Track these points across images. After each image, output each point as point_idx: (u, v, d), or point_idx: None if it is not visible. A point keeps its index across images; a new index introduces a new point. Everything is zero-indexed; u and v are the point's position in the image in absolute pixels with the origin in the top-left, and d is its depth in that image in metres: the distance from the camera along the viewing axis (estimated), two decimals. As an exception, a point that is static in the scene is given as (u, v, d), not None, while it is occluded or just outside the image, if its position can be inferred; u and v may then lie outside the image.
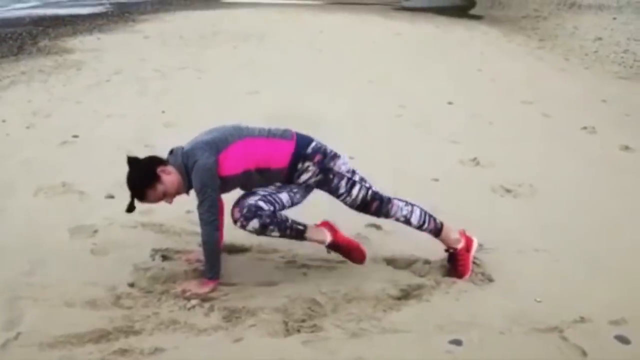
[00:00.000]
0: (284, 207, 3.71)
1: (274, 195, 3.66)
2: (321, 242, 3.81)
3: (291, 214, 3.70)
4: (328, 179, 3.74)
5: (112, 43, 13.55)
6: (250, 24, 16.63)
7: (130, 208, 3.67)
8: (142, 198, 3.65)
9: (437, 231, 3.89)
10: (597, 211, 4.95)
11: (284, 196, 3.70)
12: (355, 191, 3.76)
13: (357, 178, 3.78)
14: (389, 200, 3.82)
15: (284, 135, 3.73)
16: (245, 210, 3.56)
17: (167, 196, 3.67)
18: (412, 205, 3.87)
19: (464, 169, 5.93)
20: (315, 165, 3.70)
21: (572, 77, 10.57)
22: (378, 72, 10.61)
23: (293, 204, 3.77)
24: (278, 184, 3.71)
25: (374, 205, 3.80)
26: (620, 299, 3.63)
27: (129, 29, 16.26)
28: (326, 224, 3.88)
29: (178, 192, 3.71)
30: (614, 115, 8.02)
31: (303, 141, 3.74)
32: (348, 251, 3.89)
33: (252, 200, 3.59)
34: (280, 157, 3.66)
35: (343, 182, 3.74)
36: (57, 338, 3.16)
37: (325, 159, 3.72)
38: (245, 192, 3.69)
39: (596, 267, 4.02)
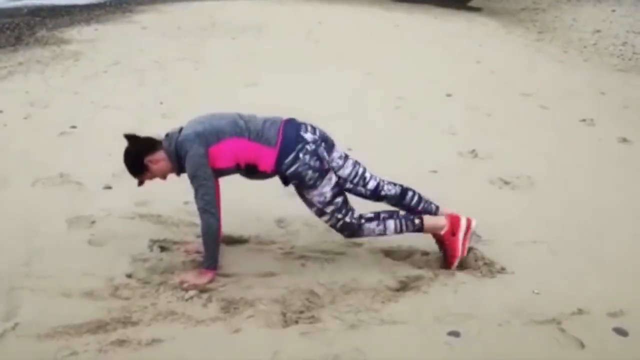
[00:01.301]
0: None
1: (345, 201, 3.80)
2: (439, 229, 3.92)
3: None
4: (302, 199, 3.81)
5: (109, 34, 13.50)
6: (249, 15, 16.55)
7: (139, 183, 3.89)
8: (135, 177, 3.84)
9: (419, 230, 3.91)
10: (595, 203, 4.95)
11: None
12: (324, 218, 3.81)
13: (329, 209, 3.75)
14: (360, 227, 3.82)
15: (270, 140, 3.65)
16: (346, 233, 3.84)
17: (157, 177, 3.84)
18: (385, 220, 3.86)
19: (463, 161, 5.93)
20: (293, 185, 3.77)
21: (570, 69, 10.56)
22: (376, 63, 10.58)
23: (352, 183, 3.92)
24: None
25: (345, 233, 3.86)
26: (619, 291, 3.64)
27: (127, 19, 16.19)
28: (454, 218, 3.94)
29: (167, 174, 3.85)
30: (612, 108, 8.03)
31: (288, 150, 3.65)
32: (446, 253, 3.94)
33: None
34: (265, 163, 3.67)
35: (314, 209, 3.79)
36: (55, 328, 3.16)
37: (299, 187, 3.73)
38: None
39: (594, 259, 4.03)
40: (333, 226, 3.81)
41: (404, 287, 3.68)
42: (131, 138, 3.78)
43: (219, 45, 12.19)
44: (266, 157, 3.64)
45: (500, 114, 7.60)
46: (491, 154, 6.04)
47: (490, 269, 3.84)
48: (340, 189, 3.78)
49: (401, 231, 3.87)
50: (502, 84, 9.39)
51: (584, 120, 7.32)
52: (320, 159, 3.68)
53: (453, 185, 5.17)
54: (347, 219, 3.78)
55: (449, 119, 7.28)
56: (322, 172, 3.68)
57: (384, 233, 3.86)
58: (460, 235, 3.87)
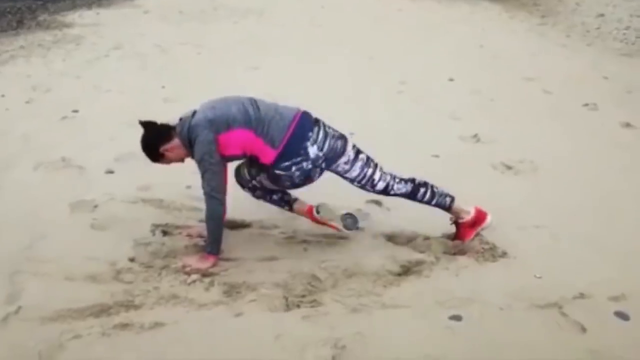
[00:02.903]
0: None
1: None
2: (464, 213, 3.99)
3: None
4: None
5: (111, 18, 13.45)
6: (251, -1, 16.51)
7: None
8: (153, 162, 3.86)
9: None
10: (597, 188, 4.95)
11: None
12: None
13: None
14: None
15: (274, 141, 3.61)
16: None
17: (174, 162, 3.85)
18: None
19: (465, 146, 5.92)
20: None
21: (573, 54, 10.52)
22: (379, 48, 10.55)
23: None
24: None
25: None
26: (620, 275, 3.64)
27: (129, 3, 16.12)
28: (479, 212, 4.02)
29: (183, 159, 3.85)
30: (615, 92, 7.99)
31: (288, 155, 3.63)
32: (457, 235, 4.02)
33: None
34: (265, 159, 3.65)
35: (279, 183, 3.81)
36: (58, 312, 3.17)
37: (304, 178, 3.72)
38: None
39: (596, 244, 4.03)
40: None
41: (405, 271, 3.68)
42: (146, 125, 3.76)
43: (221, 29, 12.15)
44: (267, 155, 3.63)
45: (503, 99, 7.58)
46: (494, 139, 6.03)
47: (493, 253, 3.85)
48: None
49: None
50: (505, 68, 9.36)
51: (587, 104, 7.30)
52: (307, 178, 3.73)
53: (455, 170, 5.16)
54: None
55: (452, 103, 7.27)
56: (300, 184, 3.78)
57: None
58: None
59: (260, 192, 3.95)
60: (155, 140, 3.75)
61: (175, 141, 3.72)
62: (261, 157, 3.65)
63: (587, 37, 12.18)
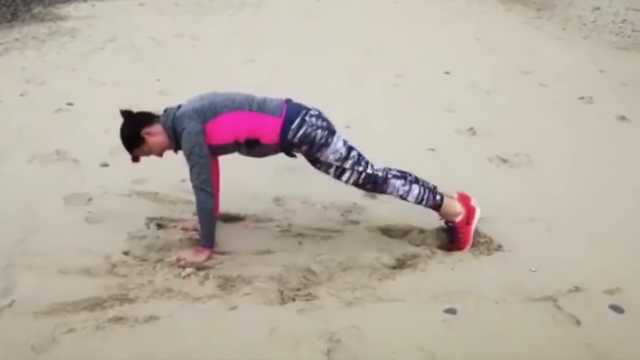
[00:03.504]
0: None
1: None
2: (453, 215, 3.85)
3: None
4: (316, 166, 3.73)
5: (106, 10, 13.41)
6: (246, -9, 16.47)
7: (134, 159, 3.82)
8: (130, 152, 3.75)
9: (436, 207, 3.83)
10: (593, 181, 4.94)
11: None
12: (345, 177, 3.70)
13: (348, 164, 3.66)
14: (385, 180, 3.73)
15: (273, 110, 3.63)
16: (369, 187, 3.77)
17: (153, 153, 3.76)
18: (412, 183, 3.76)
19: (461, 139, 5.91)
20: (302, 153, 3.70)
21: (569, 47, 10.51)
22: (375, 41, 10.53)
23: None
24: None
25: (368, 186, 3.77)
26: (615, 268, 3.64)
27: (124, -4, 16.11)
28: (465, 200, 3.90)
29: (164, 151, 3.77)
30: (611, 85, 7.99)
31: (292, 118, 3.61)
32: (454, 237, 3.88)
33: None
34: (269, 134, 3.61)
35: (332, 170, 3.69)
36: (52, 306, 3.17)
37: (311, 150, 3.65)
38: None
39: (591, 237, 4.03)
40: (356, 183, 3.72)
41: (401, 264, 3.68)
42: (127, 113, 3.72)
43: (217, 22, 12.12)
44: (270, 127, 3.59)
45: (498, 92, 7.57)
46: (489, 132, 6.02)
47: (488, 246, 3.85)
48: (351, 144, 3.73)
49: (421, 201, 3.78)
50: (501, 61, 9.34)
51: (582, 98, 7.29)
52: (326, 120, 3.69)
53: (451, 163, 5.16)
54: (369, 171, 3.70)
55: (448, 96, 7.25)
56: (331, 131, 3.67)
57: (405, 195, 3.77)
58: (473, 225, 3.86)
59: None
60: (137, 121, 3.70)
61: (158, 127, 3.66)
62: (264, 135, 3.60)
63: (583, 30, 12.16)
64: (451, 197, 3.88)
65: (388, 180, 3.74)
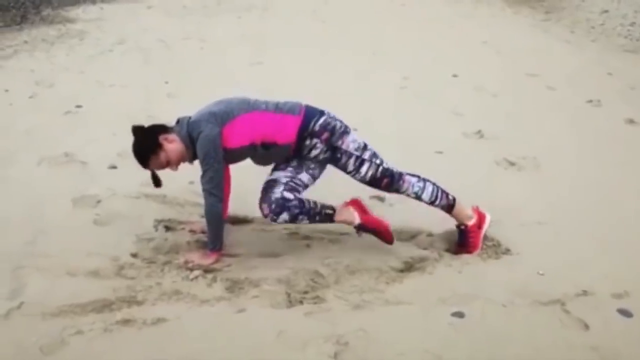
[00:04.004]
0: (306, 186, 3.73)
1: (295, 180, 3.66)
2: (350, 223, 3.79)
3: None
4: (336, 157, 3.70)
5: (115, 13, 13.45)
6: (254, -6, 16.49)
7: (156, 182, 3.77)
8: (146, 164, 3.66)
9: (449, 207, 3.84)
10: (600, 184, 4.93)
11: (304, 176, 3.70)
12: (364, 169, 3.71)
13: (366, 156, 3.71)
14: (400, 176, 3.75)
15: (292, 109, 3.67)
16: (273, 206, 3.58)
17: (171, 164, 3.66)
18: (425, 181, 3.80)
19: (468, 142, 5.91)
20: (322, 142, 3.66)
21: (577, 50, 10.48)
22: (382, 43, 10.53)
23: (314, 179, 3.78)
24: (294, 163, 3.70)
25: (384, 181, 3.75)
26: (623, 272, 3.63)
27: (132, -2, 16.15)
28: (355, 203, 3.84)
29: (181, 161, 3.70)
30: (619, 89, 7.96)
31: (311, 116, 3.67)
32: (376, 232, 3.84)
33: (277, 193, 3.59)
34: (286, 133, 3.61)
35: (351, 160, 3.70)
36: (60, 307, 3.18)
37: (332, 137, 3.66)
38: (268, 183, 3.68)
39: (599, 241, 4.02)
40: (374, 176, 3.72)
41: (408, 267, 3.68)
42: (139, 128, 3.65)
43: (224, 24, 12.15)
44: (289, 125, 3.61)
45: (506, 95, 7.56)
46: (497, 135, 6.02)
47: (496, 250, 3.84)
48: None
49: (435, 200, 3.80)
50: (508, 64, 9.33)
51: (590, 101, 7.27)
52: (341, 120, 3.75)
53: (459, 166, 5.15)
54: (386, 165, 3.74)
55: (455, 99, 7.25)
56: (347, 127, 3.75)
57: (420, 193, 3.77)
58: (484, 230, 3.87)
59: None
60: (154, 129, 3.65)
61: (174, 135, 3.62)
62: (281, 135, 3.61)
63: (592, 33, 12.13)
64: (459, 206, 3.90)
65: (403, 176, 3.76)
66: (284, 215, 3.58)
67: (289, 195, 3.60)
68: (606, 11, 13.99)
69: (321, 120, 3.66)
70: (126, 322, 3.10)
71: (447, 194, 3.83)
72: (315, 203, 3.69)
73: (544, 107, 7.08)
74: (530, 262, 3.72)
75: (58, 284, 3.40)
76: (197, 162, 3.64)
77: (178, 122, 3.71)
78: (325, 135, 3.65)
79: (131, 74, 8.29)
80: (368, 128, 5.50)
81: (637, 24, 12.53)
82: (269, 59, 9.12)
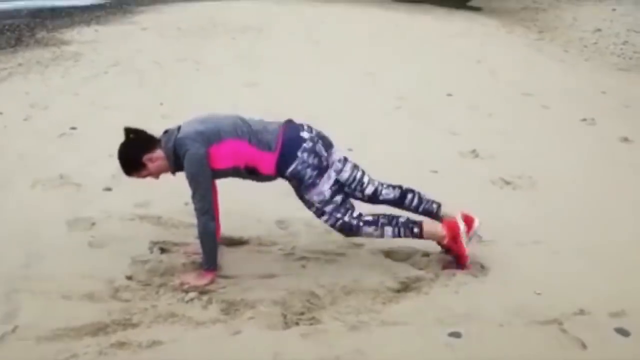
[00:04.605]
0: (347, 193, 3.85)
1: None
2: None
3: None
4: (302, 200, 3.79)
5: (109, 35, 13.51)
6: (249, 15, 16.55)
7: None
8: (128, 175, 3.79)
9: (418, 237, 3.85)
10: (596, 203, 4.94)
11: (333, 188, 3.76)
12: (323, 218, 3.77)
13: (328, 208, 3.73)
14: (358, 228, 3.77)
15: (270, 144, 3.65)
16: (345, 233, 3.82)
17: (152, 176, 3.77)
18: (383, 227, 3.80)
19: (463, 161, 5.92)
20: (292, 186, 3.78)
21: (571, 69, 10.55)
22: (377, 63, 10.58)
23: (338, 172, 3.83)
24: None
25: (343, 233, 3.83)
26: (620, 291, 3.62)
27: (127, 20, 16.20)
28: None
29: (162, 173, 3.79)
30: (613, 107, 8.01)
31: (287, 155, 3.65)
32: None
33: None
34: (266, 168, 3.67)
35: (313, 209, 3.76)
36: (55, 331, 3.15)
37: (300, 187, 3.71)
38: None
39: (596, 259, 4.02)
40: (332, 226, 3.78)
41: (404, 288, 3.67)
42: (131, 132, 3.73)
43: (219, 45, 12.20)
44: (266, 162, 3.64)
45: (501, 114, 7.59)
46: (492, 154, 6.03)
47: (490, 269, 3.84)
48: (339, 187, 3.76)
49: (399, 236, 3.83)
50: (502, 83, 9.38)
51: (585, 119, 7.31)
52: (318, 156, 3.69)
53: (454, 186, 5.15)
54: (346, 219, 3.75)
55: (450, 118, 7.28)
56: (321, 170, 3.69)
57: (381, 237, 3.83)
58: (462, 237, 3.81)
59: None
60: (140, 147, 3.70)
61: (159, 152, 3.67)
62: (262, 168, 3.65)
63: (585, 52, 12.22)
64: (433, 222, 3.90)
65: (360, 228, 3.79)
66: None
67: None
68: (599, 30, 14.10)
69: (291, 168, 3.65)
70: (121, 345, 3.07)
71: (412, 227, 3.82)
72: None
73: (539, 126, 7.11)
74: (527, 281, 3.71)
75: (53, 307, 3.38)
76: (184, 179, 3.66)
77: (166, 132, 3.73)
78: (294, 183, 3.73)
79: (126, 95, 8.31)
80: (363, 148, 5.52)
81: (630, 43, 12.63)
82: (263, 80, 9.14)
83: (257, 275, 3.78)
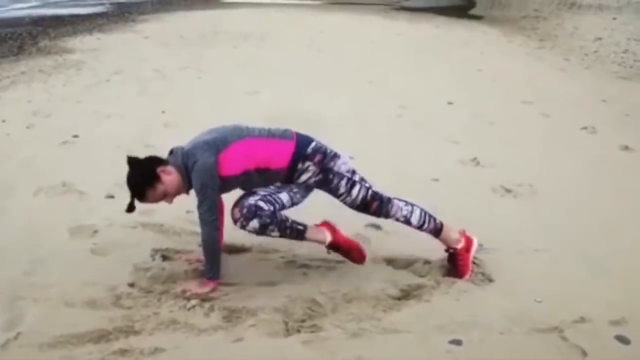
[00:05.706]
0: (284, 206, 3.69)
1: (274, 195, 3.65)
2: (321, 242, 3.81)
3: (292, 214, 3.70)
4: (328, 179, 3.73)
5: (112, 43, 13.55)
6: (251, 23, 16.62)
7: (130, 208, 3.65)
8: (142, 198, 3.63)
9: (437, 231, 3.88)
10: (597, 211, 4.95)
11: (284, 196, 3.69)
12: (355, 191, 3.75)
13: (357, 178, 3.78)
14: (389, 200, 3.82)
15: (284, 135, 3.72)
16: (245, 211, 3.54)
17: (167, 196, 3.66)
18: (413, 205, 3.87)
19: (464, 169, 5.93)
20: (315, 165, 3.70)
21: (572, 77, 10.57)
22: (378, 72, 10.60)
23: (293, 203, 3.75)
24: (278, 183, 3.70)
25: (374, 205, 3.80)
26: (621, 299, 3.63)
27: (129, 29, 16.26)
28: (326, 224, 3.88)
29: (178, 192, 3.69)
30: (614, 115, 8.02)
31: (303, 141, 3.73)
32: (348, 251, 3.89)
33: (252, 200, 3.57)
34: (280, 157, 3.65)
35: (343, 182, 3.74)
36: (57, 338, 3.16)
37: (325, 159, 3.71)
38: (245, 192, 3.67)
39: (596, 267, 4.02)
40: (364, 199, 3.77)
41: (405, 295, 3.67)
42: (134, 159, 3.64)
43: (221, 53, 12.24)
44: (282, 150, 3.66)
45: (502, 122, 7.61)
46: (493, 162, 6.04)
47: (491, 277, 3.85)
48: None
49: (422, 224, 3.86)
50: (503, 92, 9.40)
51: (585, 128, 7.32)
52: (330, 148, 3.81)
53: (455, 194, 5.17)
54: (375, 189, 3.81)
55: (451, 127, 7.29)
56: (337, 152, 3.81)
57: (409, 217, 3.84)
58: (472, 254, 3.89)
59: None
60: (150, 162, 3.63)
61: (170, 167, 3.61)
62: (274, 160, 3.64)
63: (586, 60, 12.23)
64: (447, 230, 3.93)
65: (392, 200, 3.83)
66: (254, 222, 3.54)
67: (263, 204, 3.58)
68: (599, 39, 14.13)
69: (313, 144, 3.73)
70: (123, 352, 3.08)
71: (435, 219, 3.89)
72: (287, 217, 3.67)
73: (540, 135, 7.12)
74: (527, 289, 3.72)
75: (55, 314, 3.38)
76: (192, 192, 3.65)
77: (172, 152, 3.71)
78: (318, 157, 3.70)
79: (128, 103, 8.33)
80: (364, 156, 5.53)
81: (630, 51, 12.65)
82: (265, 88, 9.17)
83: (259, 283, 3.79)
